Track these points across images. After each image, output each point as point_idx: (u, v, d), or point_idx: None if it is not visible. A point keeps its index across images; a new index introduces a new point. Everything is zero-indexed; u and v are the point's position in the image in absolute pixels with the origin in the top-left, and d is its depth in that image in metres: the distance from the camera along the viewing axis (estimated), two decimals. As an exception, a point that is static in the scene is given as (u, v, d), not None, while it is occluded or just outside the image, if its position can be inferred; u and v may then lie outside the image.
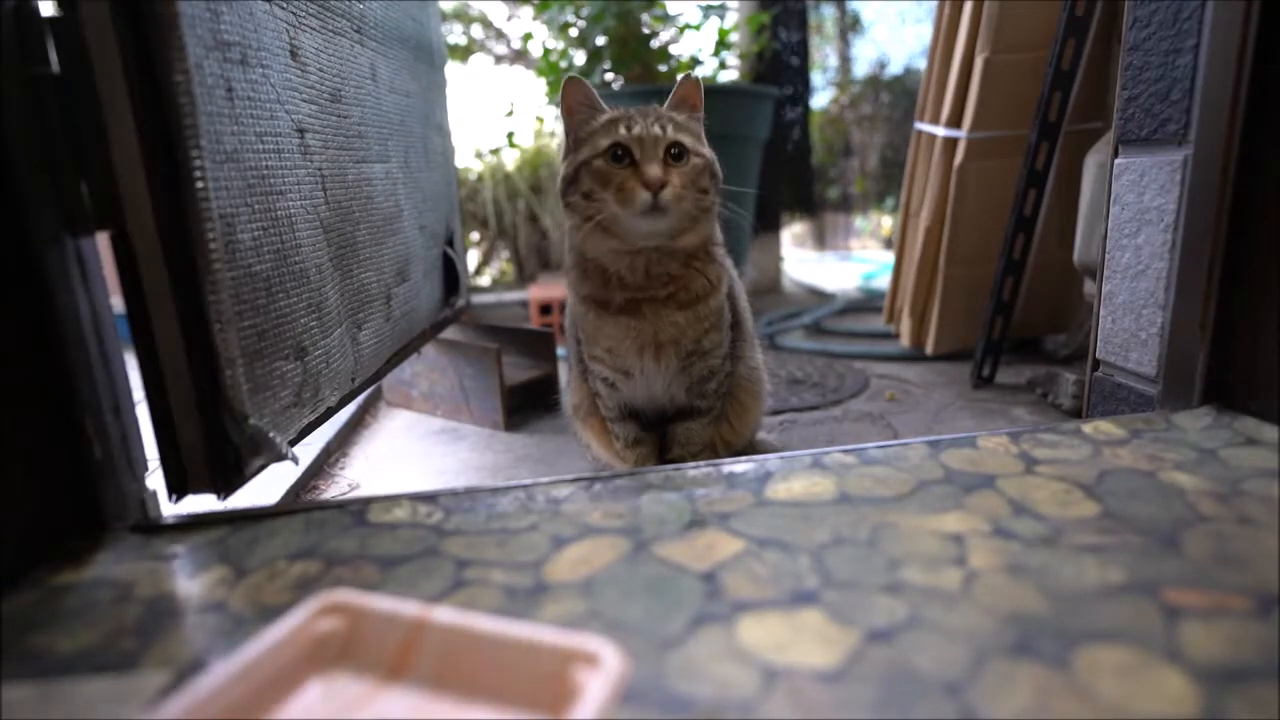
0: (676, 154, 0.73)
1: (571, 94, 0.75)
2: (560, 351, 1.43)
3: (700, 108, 0.79)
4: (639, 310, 0.77)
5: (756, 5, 2.52)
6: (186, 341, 0.50)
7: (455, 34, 3.31)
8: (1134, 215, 0.73)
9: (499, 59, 3.40)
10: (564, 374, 1.32)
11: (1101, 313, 0.79)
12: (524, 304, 2.31)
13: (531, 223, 2.71)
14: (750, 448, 0.95)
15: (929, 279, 1.54)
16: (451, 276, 1.14)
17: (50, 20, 0.46)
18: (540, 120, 2.73)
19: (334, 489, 1.02)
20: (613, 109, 0.76)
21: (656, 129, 0.73)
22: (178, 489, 0.52)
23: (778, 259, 2.78)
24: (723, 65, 2.35)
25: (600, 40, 2.10)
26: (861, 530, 0.47)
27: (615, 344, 0.79)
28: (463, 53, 3.32)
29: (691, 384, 0.83)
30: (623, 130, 0.72)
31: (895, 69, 3.49)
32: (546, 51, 2.23)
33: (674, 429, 0.86)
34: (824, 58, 3.75)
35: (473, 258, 2.81)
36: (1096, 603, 0.39)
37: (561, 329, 1.91)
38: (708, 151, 0.77)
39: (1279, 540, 0.44)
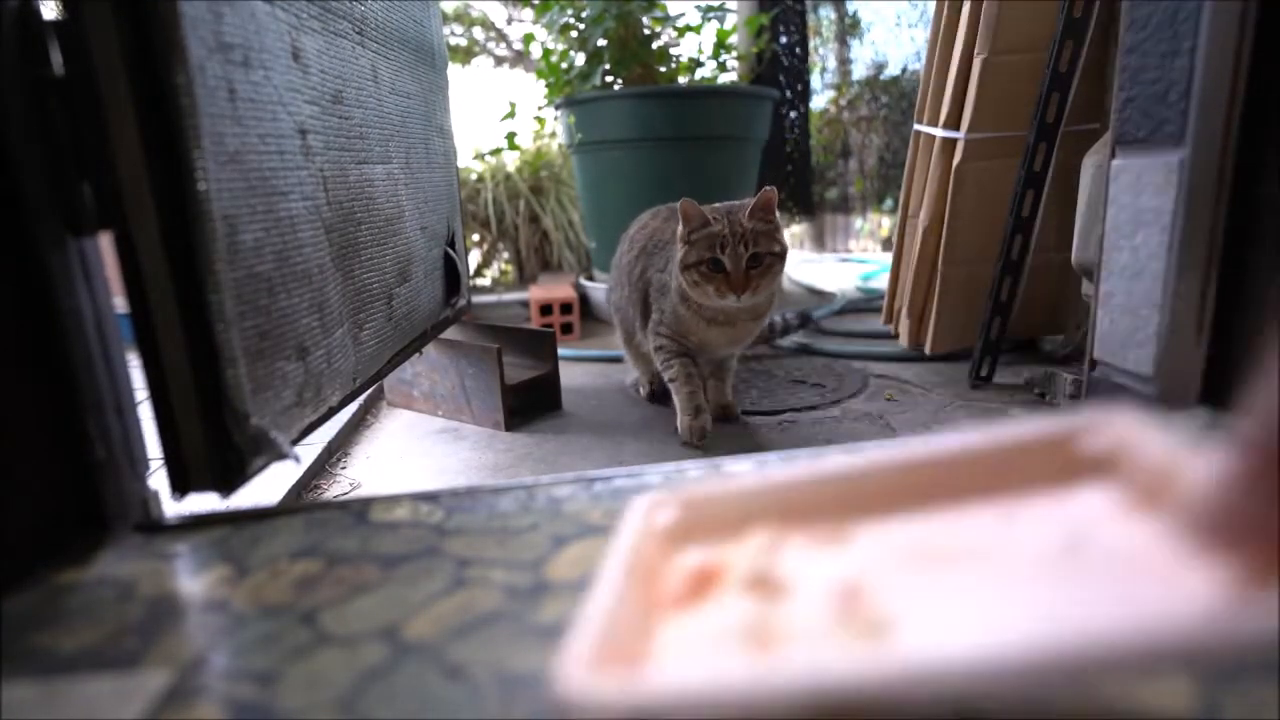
0: (755, 261, 1.04)
1: (688, 209, 1.05)
2: (561, 352, 1.47)
3: (774, 209, 1.07)
4: (733, 323, 1.15)
5: (756, 7, 2.53)
6: (189, 342, 0.50)
7: (456, 36, 3.31)
8: (1131, 216, 0.73)
9: (500, 61, 3.41)
10: (565, 373, 1.41)
11: (1099, 313, 0.80)
12: (524, 304, 2.31)
13: (532, 223, 2.72)
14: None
15: (927, 279, 1.54)
16: (453, 277, 1.14)
17: (53, 23, 0.46)
18: (541, 122, 2.73)
19: (335, 488, 1.03)
20: (715, 219, 1.04)
21: (741, 248, 1.03)
22: (180, 488, 0.52)
23: (778, 260, 2.78)
24: (722, 67, 2.36)
25: (600, 42, 2.10)
26: (860, 529, 0.47)
27: (709, 338, 1.16)
28: (463, 54, 3.32)
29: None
30: (718, 249, 1.03)
31: (893, 70, 3.49)
32: (547, 53, 2.24)
33: (723, 363, 1.28)
34: (823, 59, 3.75)
35: (474, 258, 2.81)
36: (1093, 601, 0.39)
37: (564, 328, 1.91)
38: (779, 245, 1.07)
39: (1275, 539, 0.44)
